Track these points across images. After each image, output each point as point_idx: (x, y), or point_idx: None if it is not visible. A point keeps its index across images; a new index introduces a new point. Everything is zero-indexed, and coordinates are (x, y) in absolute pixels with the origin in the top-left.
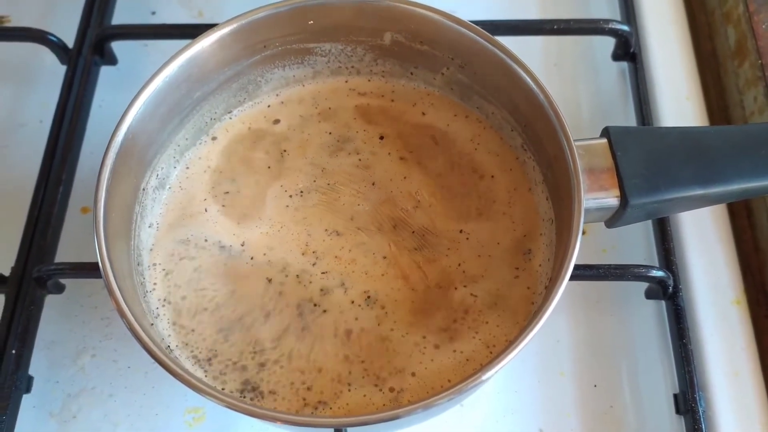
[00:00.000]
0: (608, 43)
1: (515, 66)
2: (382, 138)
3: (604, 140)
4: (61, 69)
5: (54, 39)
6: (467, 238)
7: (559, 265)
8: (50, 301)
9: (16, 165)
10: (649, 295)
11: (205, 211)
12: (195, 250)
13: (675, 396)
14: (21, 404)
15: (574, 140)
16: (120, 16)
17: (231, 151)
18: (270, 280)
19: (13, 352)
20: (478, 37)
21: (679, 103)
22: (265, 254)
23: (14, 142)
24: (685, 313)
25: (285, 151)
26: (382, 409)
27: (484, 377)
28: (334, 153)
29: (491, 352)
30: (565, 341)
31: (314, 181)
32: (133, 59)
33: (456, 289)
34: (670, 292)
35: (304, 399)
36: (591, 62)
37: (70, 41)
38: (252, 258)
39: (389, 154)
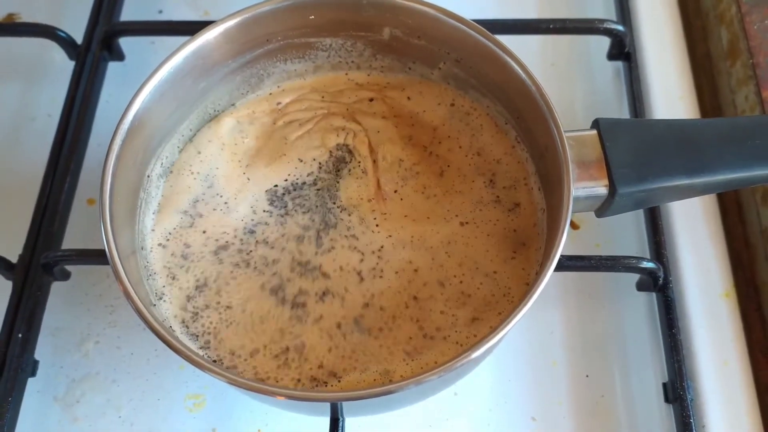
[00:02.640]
0: (604, 42)
1: (508, 59)
2: (372, 100)
3: (594, 131)
4: (70, 64)
5: (63, 35)
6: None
7: (548, 250)
8: (56, 288)
9: (25, 157)
10: (640, 287)
11: (223, 181)
12: (201, 230)
13: (664, 385)
14: (26, 388)
15: (565, 131)
16: (128, 14)
17: (236, 131)
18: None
19: (20, 336)
20: (473, 32)
21: (672, 102)
22: (315, 159)
23: (24, 134)
24: (675, 304)
25: (284, 108)
26: (374, 384)
27: (473, 355)
28: (328, 101)
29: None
30: (558, 332)
31: (315, 113)
32: (140, 55)
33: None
34: (660, 284)
35: (301, 376)
36: (587, 61)
37: (78, 37)
38: (314, 159)
39: (374, 113)
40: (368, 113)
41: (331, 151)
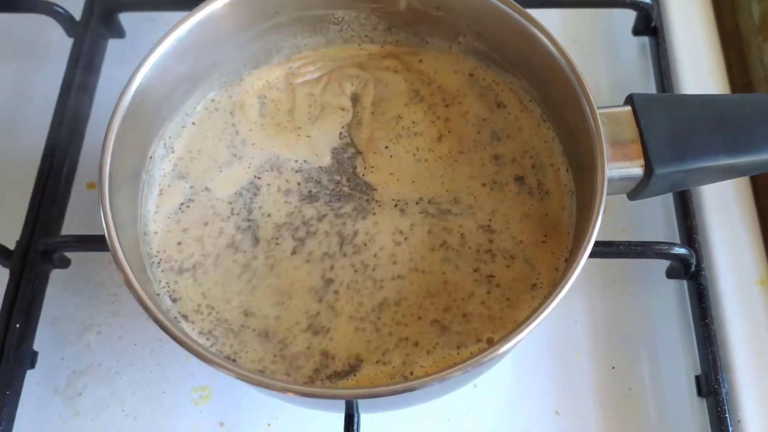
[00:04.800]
0: (629, 16)
1: (536, 31)
2: (384, 57)
3: (628, 108)
4: (68, 42)
5: (60, 10)
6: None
7: (580, 237)
8: (56, 276)
9: (22, 140)
10: (670, 274)
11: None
12: (207, 210)
13: (697, 378)
14: (25, 380)
15: (597, 108)
16: None
17: (266, 104)
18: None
19: (18, 326)
20: (497, 2)
21: (701, 79)
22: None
23: (20, 116)
24: (707, 292)
25: (296, 70)
26: (392, 377)
27: (501, 350)
28: (339, 62)
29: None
30: (582, 321)
31: (328, 69)
32: (141, 32)
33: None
34: (692, 271)
35: (316, 369)
36: (611, 37)
37: (77, 13)
38: (351, 105)
39: (386, 67)
40: (380, 67)
41: (350, 98)
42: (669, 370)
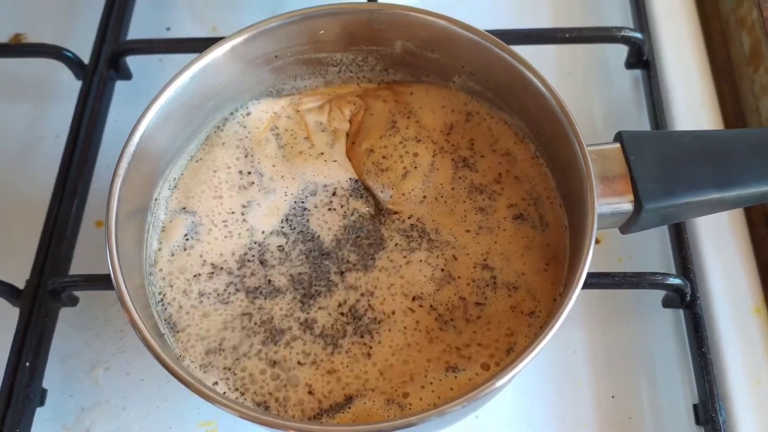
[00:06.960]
0: (621, 51)
1: (526, 72)
2: (380, 87)
3: (617, 145)
4: (77, 84)
5: (70, 55)
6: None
7: (573, 270)
8: (65, 314)
9: (32, 179)
10: (667, 303)
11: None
12: (211, 252)
13: (695, 406)
14: (35, 417)
15: (587, 145)
16: (135, 32)
17: (283, 136)
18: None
19: (27, 364)
20: (489, 44)
21: (694, 110)
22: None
23: (31, 156)
24: (703, 321)
25: (299, 100)
26: (394, 417)
27: (498, 383)
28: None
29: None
30: (581, 351)
31: (328, 97)
32: (148, 74)
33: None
34: (688, 301)
35: (317, 405)
36: (604, 71)
37: (85, 57)
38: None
39: (378, 95)
40: (373, 95)
41: (349, 123)
42: (668, 398)
